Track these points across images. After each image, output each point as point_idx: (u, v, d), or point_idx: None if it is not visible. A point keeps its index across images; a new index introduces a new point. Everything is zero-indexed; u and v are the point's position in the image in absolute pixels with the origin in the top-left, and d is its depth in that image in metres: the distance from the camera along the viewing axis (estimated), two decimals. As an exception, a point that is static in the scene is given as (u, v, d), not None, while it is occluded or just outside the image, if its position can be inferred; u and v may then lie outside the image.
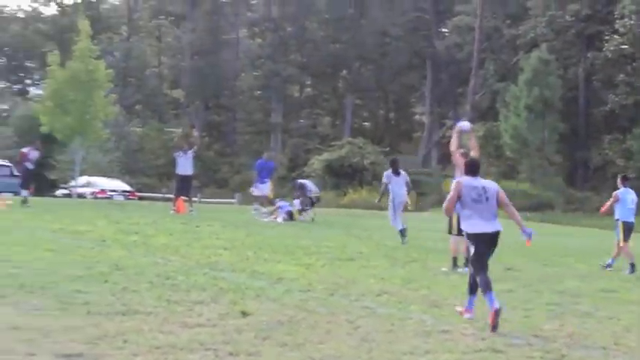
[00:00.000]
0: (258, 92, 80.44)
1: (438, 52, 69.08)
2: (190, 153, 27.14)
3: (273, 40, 78.79)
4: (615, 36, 54.60)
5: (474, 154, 14.77)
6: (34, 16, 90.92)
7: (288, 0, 78.39)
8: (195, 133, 35.94)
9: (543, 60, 51.98)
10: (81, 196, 42.02)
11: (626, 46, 54.53)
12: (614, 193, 17.74)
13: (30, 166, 26.83)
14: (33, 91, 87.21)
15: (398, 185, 20.39)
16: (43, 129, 40.34)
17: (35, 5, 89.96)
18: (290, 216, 26.66)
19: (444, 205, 10.16)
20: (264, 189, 28.23)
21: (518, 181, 51.74)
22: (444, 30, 74.32)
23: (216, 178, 71.10)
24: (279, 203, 27.68)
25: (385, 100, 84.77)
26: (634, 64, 55.62)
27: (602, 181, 54.17)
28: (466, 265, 14.30)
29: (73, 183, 44.21)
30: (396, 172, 20.55)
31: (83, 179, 45.71)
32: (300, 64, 78.39)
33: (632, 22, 52.80)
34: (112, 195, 44.03)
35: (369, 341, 8.18)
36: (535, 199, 49.14)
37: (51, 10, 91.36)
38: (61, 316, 8.43)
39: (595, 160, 56.29)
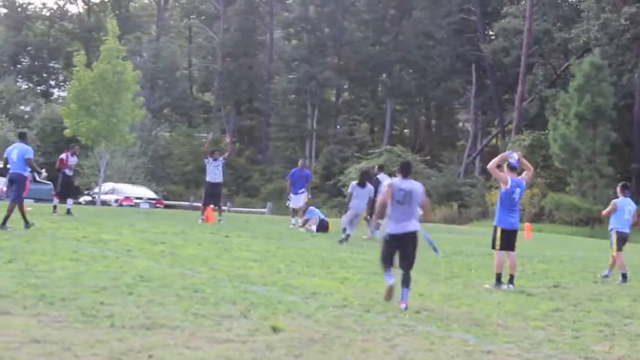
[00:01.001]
0: (293, 96, 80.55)
1: (484, 56, 68.69)
2: (221, 160, 27.08)
3: (309, 42, 78.96)
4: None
5: (527, 172, 15.04)
6: (60, 15, 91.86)
7: (326, -1, 78.47)
8: (227, 138, 36.02)
9: (596, 65, 51.41)
10: (105, 203, 42.28)
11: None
12: (613, 201, 18.21)
13: (69, 172, 26.85)
14: (57, 92, 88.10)
15: (360, 197, 22.14)
16: (67, 132, 40.61)
17: (61, 3, 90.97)
18: (323, 226, 25.87)
19: (377, 208, 12.07)
20: (299, 201, 27.84)
21: (566, 194, 51.32)
22: (490, 33, 73.96)
23: (246, 186, 71.35)
24: (310, 213, 26.77)
25: (427, 106, 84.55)
26: (693, 70, 55.07)
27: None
28: (510, 282, 14.30)
29: (96, 189, 44.46)
30: (362, 185, 22.29)
31: (108, 186, 45.98)
32: (337, 67, 78.37)
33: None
34: (137, 203, 44.21)
35: (407, 361, 8.16)
36: (585, 212, 48.78)
37: (77, 8, 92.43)
38: (84, 329, 8.47)
39: (650, 172, 55.69)
